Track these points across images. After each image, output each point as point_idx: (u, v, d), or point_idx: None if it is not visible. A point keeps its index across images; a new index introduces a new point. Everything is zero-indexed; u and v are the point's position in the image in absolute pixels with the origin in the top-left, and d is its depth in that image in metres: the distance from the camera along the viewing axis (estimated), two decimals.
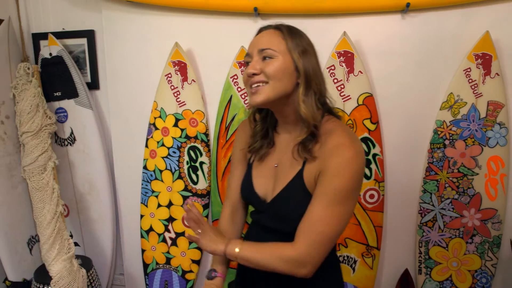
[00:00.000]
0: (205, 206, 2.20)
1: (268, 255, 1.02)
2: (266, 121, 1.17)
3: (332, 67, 1.93)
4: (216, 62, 2.10)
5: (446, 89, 1.91)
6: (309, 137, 1.03)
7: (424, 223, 1.99)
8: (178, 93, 2.11)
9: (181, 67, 2.08)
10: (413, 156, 2.00)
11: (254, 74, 1.02)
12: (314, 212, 0.98)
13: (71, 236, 2.42)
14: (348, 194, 0.97)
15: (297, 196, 1.05)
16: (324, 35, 1.97)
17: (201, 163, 2.16)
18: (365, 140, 1.96)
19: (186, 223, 1.15)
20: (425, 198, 1.98)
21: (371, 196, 1.99)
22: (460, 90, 1.88)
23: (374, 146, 1.96)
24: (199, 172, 2.17)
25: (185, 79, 2.09)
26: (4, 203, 2.13)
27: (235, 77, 2.05)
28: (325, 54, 1.95)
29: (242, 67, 2.02)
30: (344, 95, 1.95)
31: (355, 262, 2.05)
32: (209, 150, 2.15)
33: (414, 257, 2.07)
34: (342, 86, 1.94)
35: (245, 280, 1.25)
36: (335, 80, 1.94)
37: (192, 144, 2.15)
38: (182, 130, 2.14)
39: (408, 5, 1.81)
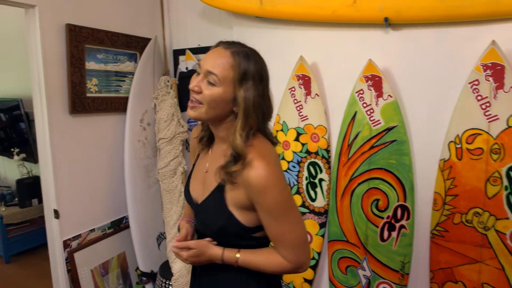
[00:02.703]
0: (322, 225, 2.12)
1: (268, 263, 1.08)
2: None
3: (475, 82, 1.68)
4: (341, 76, 2.02)
5: None
6: (232, 161, 1.05)
7: None
8: (301, 107, 2.09)
9: (305, 81, 2.06)
10: None
11: (194, 92, 1.06)
12: (274, 230, 1.05)
13: None
14: (284, 202, 1.04)
15: (216, 208, 1.09)
16: (466, 46, 1.73)
17: (321, 180, 2.09)
18: None
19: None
20: None
21: None
22: None
23: None
24: (318, 189, 2.10)
25: (308, 93, 2.06)
26: (140, 201, 2.38)
27: (361, 92, 1.93)
28: (467, 67, 1.71)
29: (369, 81, 1.90)
30: (490, 114, 1.67)
31: None
32: (329, 167, 2.07)
33: None
34: (488, 105, 1.67)
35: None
36: (479, 97, 1.68)
37: (313, 159, 2.09)
38: (303, 144, 2.11)
39: None
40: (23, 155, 3.49)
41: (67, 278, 2.15)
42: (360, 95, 1.94)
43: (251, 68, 1.05)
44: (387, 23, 1.82)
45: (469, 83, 1.69)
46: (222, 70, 1.03)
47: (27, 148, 3.55)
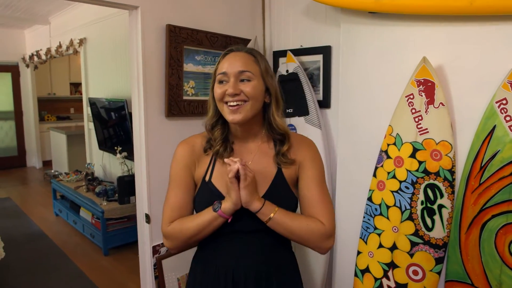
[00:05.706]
0: (438, 260, 1.75)
1: (302, 226, 1.12)
2: (225, 127, 1.23)
3: None
4: (476, 81, 1.64)
5: None
6: (281, 144, 1.20)
7: None
8: (420, 118, 1.75)
9: (428, 87, 1.72)
10: None
11: (236, 94, 1.11)
12: (316, 194, 1.18)
13: None
14: (323, 173, 1.23)
15: (283, 194, 1.18)
16: None
17: (440, 206, 1.73)
18: None
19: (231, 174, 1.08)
20: None
21: None
22: None
23: None
24: (436, 217, 1.74)
25: (431, 101, 1.72)
26: None
27: (504, 101, 1.54)
28: None
29: None
30: None
31: None
32: (453, 192, 1.70)
33: None
34: None
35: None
36: None
37: (432, 181, 1.74)
38: (420, 163, 1.77)
39: None
40: (124, 154, 3.63)
41: (154, 284, 2.09)
42: (503, 106, 1.55)
43: (266, 63, 1.20)
44: None
45: None
46: (251, 66, 1.14)
47: (130, 146, 3.70)
